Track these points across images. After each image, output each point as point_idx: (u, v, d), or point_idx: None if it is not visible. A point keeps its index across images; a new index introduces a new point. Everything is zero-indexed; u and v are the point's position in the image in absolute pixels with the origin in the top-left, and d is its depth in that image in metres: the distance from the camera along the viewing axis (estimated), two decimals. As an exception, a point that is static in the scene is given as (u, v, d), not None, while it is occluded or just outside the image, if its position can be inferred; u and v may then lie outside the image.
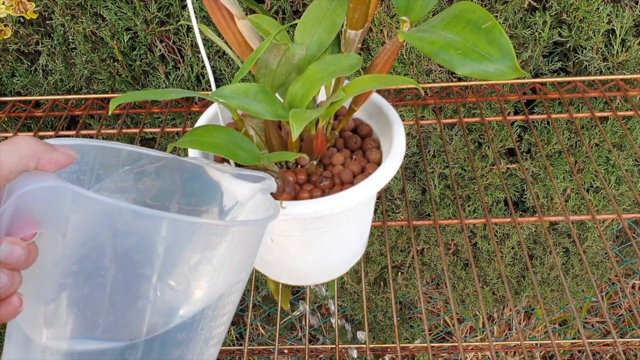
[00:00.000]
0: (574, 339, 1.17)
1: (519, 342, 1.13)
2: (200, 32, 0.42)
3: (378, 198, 0.64)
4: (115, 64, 0.76)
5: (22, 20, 0.73)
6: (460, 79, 0.75)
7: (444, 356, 1.16)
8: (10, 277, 0.25)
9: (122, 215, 0.26)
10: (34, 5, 0.47)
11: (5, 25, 0.49)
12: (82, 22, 0.73)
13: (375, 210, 0.54)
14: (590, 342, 1.08)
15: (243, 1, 0.43)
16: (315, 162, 0.46)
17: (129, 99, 0.34)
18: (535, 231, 0.96)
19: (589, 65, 0.73)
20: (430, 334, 1.21)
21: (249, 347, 1.13)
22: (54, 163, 0.27)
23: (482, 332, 1.18)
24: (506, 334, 1.20)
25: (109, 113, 0.39)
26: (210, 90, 0.55)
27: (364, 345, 1.05)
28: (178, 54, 0.77)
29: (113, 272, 0.26)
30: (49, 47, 0.76)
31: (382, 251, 0.99)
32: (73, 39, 0.75)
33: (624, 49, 0.71)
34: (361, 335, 1.11)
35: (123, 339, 0.27)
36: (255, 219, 0.35)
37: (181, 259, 0.28)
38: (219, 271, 0.29)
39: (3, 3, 0.47)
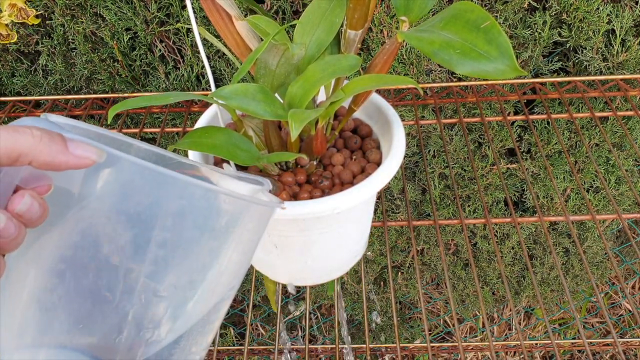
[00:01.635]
0: (574, 339, 1.17)
1: (519, 342, 1.13)
2: (200, 33, 0.42)
3: (378, 198, 0.64)
4: (115, 64, 0.76)
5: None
6: (460, 79, 0.75)
7: (443, 356, 1.16)
8: (17, 229, 0.23)
9: (142, 175, 0.25)
10: (35, 11, 0.48)
11: (11, 30, 0.50)
12: (82, 22, 0.73)
13: (375, 210, 0.54)
14: (590, 342, 1.08)
15: (243, 1, 0.43)
16: (315, 163, 0.46)
17: (127, 107, 0.34)
18: (535, 231, 0.96)
19: (589, 65, 0.73)
20: (430, 334, 1.21)
21: (249, 347, 1.13)
22: (57, 165, 0.24)
23: (482, 332, 1.18)
24: (506, 334, 1.20)
25: (108, 122, 0.39)
26: (210, 90, 0.55)
27: (364, 345, 1.05)
28: (178, 54, 0.77)
29: (107, 263, 0.25)
30: (49, 47, 0.76)
31: (382, 251, 0.99)
32: (73, 39, 0.75)
33: (624, 49, 0.71)
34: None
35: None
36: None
37: (186, 239, 0.27)
38: (225, 259, 0.28)
39: (5, 10, 0.48)
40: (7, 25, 0.49)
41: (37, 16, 0.49)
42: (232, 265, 0.30)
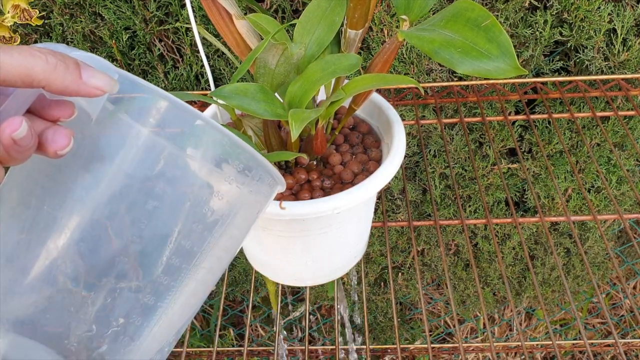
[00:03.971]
0: (575, 339, 1.17)
1: (519, 343, 1.13)
2: (199, 32, 0.42)
3: (378, 198, 0.64)
4: (114, 63, 0.76)
5: (20, 20, 0.73)
6: (460, 79, 0.75)
7: (444, 357, 1.16)
8: (33, 141, 0.23)
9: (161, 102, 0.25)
10: (38, 12, 0.48)
11: (14, 32, 0.50)
12: (81, 21, 0.73)
13: (376, 211, 0.54)
14: (592, 343, 1.08)
15: (242, 0, 0.43)
16: (315, 162, 0.46)
17: None
18: (536, 231, 0.95)
19: (590, 64, 0.73)
20: (430, 335, 1.21)
21: (248, 348, 1.12)
22: (69, 93, 0.24)
23: (483, 333, 1.18)
24: (507, 335, 1.19)
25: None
26: (210, 90, 0.55)
27: (365, 347, 1.05)
28: (177, 54, 0.76)
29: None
30: (48, 46, 0.76)
31: (383, 251, 0.99)
32: (72, 39, 0.75)
33: (625, 48, 0.71)
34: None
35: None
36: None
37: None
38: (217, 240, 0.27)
39: (8, 12, 0.48)
40: (9, 27, 0.49)
41: (39, 17, 0.49)
42: (226, 243, 0.28)
